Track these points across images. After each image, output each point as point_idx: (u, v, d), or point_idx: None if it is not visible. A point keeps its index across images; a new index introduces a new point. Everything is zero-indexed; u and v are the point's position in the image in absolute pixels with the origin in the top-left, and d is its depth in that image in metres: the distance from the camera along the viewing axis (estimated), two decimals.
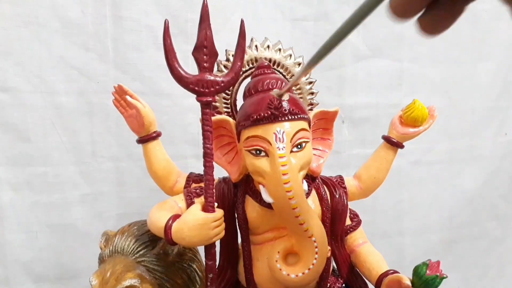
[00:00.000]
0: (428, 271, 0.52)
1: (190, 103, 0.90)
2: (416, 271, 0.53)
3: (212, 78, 0.52)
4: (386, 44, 1.04)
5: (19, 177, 0.86)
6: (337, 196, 0.62)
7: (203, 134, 0.54)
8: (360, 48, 1.03)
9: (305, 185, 0.56)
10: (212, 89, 0.52)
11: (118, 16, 0.85)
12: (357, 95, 1.05)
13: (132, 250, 0.59)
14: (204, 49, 0.51)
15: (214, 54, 0.52)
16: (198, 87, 0.52)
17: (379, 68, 1.05)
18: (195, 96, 0.53)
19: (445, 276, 0.53)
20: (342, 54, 1.02)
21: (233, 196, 0.61)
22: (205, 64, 0.52)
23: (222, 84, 0.53)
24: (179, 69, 0.51)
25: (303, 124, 0.55)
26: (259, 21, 0.94)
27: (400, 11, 0.28)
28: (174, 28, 0.87)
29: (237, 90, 0.63)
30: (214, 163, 0.56)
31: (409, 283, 0.53)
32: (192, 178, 0.63)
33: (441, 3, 0.28)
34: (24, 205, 0.87)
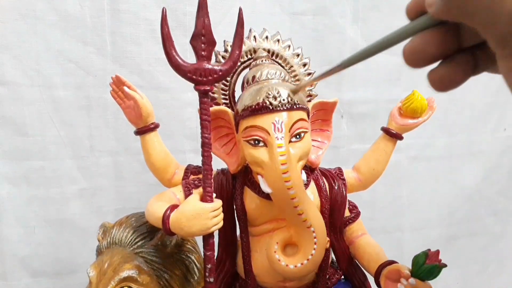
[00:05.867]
0: (427, 261, 0.52)
1: (188, 97, 0.91)
2: (416, 260, 0.53)
3: (210, 66, 0.51)
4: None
5: (17, 172, 0.85)
6: (336, 188, 0.62)
7: (201, 124, 0.53)
8: (359, 43, 1.02)
9: (304, 176, 0.56)
10: (210, 77, 0.52)
11: (116, 9, 0.85)
12: (356, 90, 1.05)
13: (130, 242, 0.59)
14: (202, 38, 0.51)
15: (212, 42, 0.51)
16: (196, 76, 0.51)
17: (378, 63, 1.05)
18: (193, 85, 0.53)
19: (444, 265, 0.52)
20: (340, 49, 1.01)
21: (231, 188, 0.60)
22: (203, 53, 0.51)
23: (220, 73, 0.52)
24: (177, 58, 0.50)
25: (302, 114, 0.55)
26: (258, 15, 0.93)
27: (412, 60, 0.29)
28: (172, 21, 0.87)
29: (235, 81, 0.63)
30: (212, 154, 0.55)
31: (408, 272, 0.53)
32: (190, 169, 0.63)
33: (455, 63, 0.28)
34: (22, 199, 0.86)
